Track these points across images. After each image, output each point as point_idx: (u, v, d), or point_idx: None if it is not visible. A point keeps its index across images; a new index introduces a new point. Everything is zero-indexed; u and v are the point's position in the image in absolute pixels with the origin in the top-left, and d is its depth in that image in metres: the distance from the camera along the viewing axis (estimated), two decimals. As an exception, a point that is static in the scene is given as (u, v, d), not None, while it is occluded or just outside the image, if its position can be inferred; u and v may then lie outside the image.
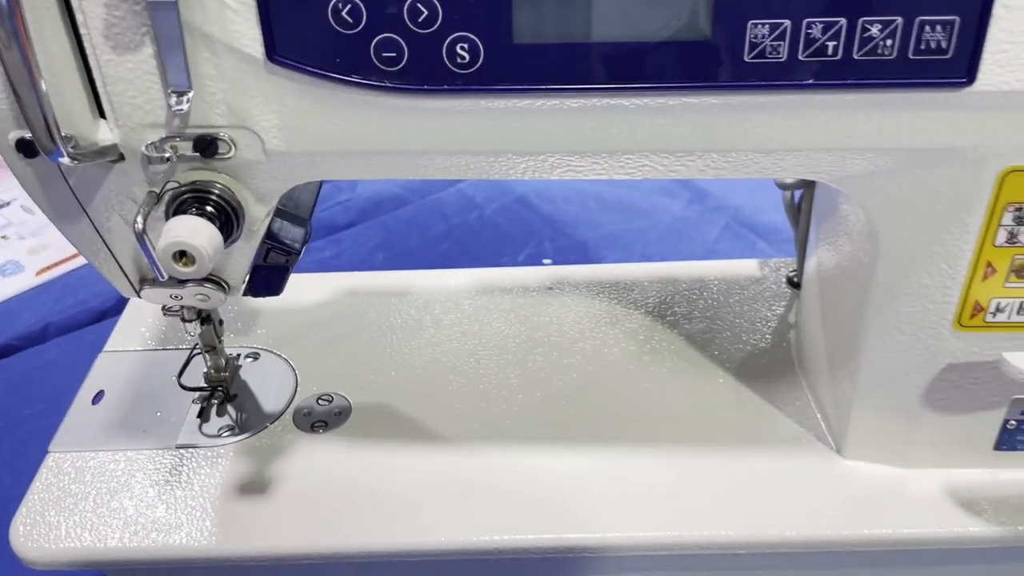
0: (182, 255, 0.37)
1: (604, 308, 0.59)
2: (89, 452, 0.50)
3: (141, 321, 0.60)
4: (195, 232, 0.37)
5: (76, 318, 0.78)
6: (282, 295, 0.61)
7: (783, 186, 0.56)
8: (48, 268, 0.83)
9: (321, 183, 0.49)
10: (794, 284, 0.60)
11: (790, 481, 0.47)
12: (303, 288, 0.62)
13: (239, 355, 0.56)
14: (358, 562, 0.46)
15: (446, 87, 0.36)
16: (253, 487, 0.48)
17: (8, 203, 0.93)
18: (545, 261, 0.83)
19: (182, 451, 0.50)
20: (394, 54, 0.35)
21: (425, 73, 0.35)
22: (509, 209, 0.91)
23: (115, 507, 0.47)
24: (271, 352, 0.57)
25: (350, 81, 0.36)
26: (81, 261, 0.84)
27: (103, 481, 0.49)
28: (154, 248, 0.39)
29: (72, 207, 0.41)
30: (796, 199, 0.57)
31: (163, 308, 0.48)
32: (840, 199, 0.46)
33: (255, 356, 0.57)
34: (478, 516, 0.46)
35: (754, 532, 0.45)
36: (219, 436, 0.51)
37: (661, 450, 0.49)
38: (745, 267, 0.62)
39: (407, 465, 0.49)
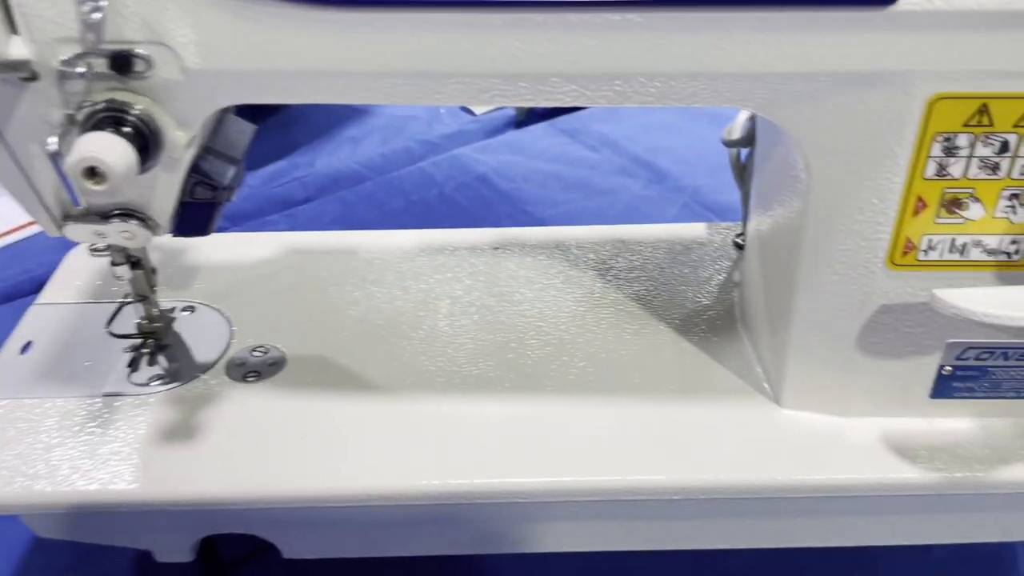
0: (92, 172, 0.36)
1: (550, 267, 0.58)
2: (13, 400, 0.49)
3: (75, 275, 0.58)
4: (106, 148, 0.36)
5: (20, 287, 0.77)
6: (222, 251, 0.61)
7: (729, 143, 0.56)
8: (-5, 237, 0.81)
9: (255, 128, 0.48)
10: (739, 246, 0.59)
11: (727, 429, 0.46)
12: (247, 245, 0.61)
13: (174, 308, 0.55)
14: (283, 507, 0.45)
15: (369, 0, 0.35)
16: (180, 434, 0.47)
17: (-41, 176, 0.91)
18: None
19: (109, 399, 0.49)
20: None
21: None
22: (469, 187, 0.91)
23: (37, 453, 0.46)
24: (207, 306, 0.56)
25: (269, -4, 0.35)
26: (28, 232, 0.83)
27: (25, 428, 0.47)
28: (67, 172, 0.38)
29: (-12, 134, 0.40)
30: (742, 159, 0.56)
31: (90, 248, 0.47)
32: (776, 140, 0.45)
33: (191, 309, 0.55)
34: (411, 461, 0.45)
35: (688, 477, 0.44)
36: (148, 385, 0.50)
37: (600, 399, 0.48)
38: (692, 230, 0.62)
39: (340, 412, 0.48)
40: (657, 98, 0.38)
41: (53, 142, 0.38)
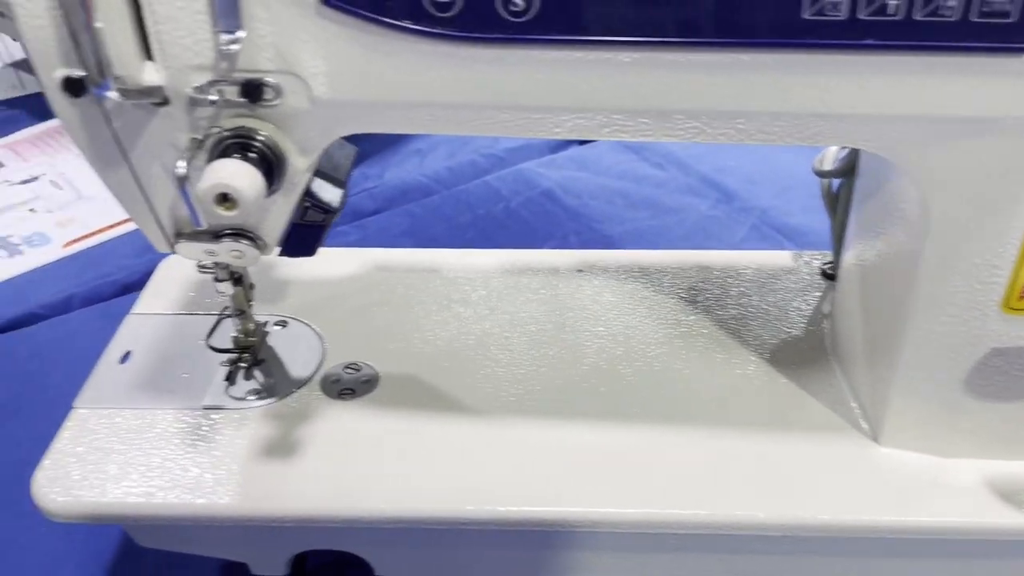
0: (224, 198, 0.37)
1: (634, 292, 0.58)
2: (115, 409, 0.50)
3: (169, 286, 0.59)
4: (239, 174, 0.37)
5: (100, 290, 0.78)
6: (310, 266, 0.62)
7: (821, 174, 0.56)
8: (74, 241, 0.83)
9: (358, 150, 0.49)
10: (828, 275, 0.59)
11: (824, 465, 0.46)
12: (331, 261, 0.62)
13: (267, 322, 0.56)
14: (380, 527, 0.46)
15: (498, 36, 0.35)
16: (279, 449, 0.48)
17: (36, 178, 0.93)
18: (571, 253, 0.83)
19: (208, 412, 0.50)
20: (446, 0, 0.35)
21: (477, 21, 0.35)
22: (535, 202, 0.91)
23: (139, 463, 0.47)
24: (298, 320, 0.56)
25: (400, 27, 0.36)
26: (107, 236, 0.84)
27: (128, 437, 0.48)
28: (194, 199, 0.39)
29: (114, 153, 0.41)
30: (834, 188, 0.56)
31: (197, 265, 0.48)
32: (890, 176, 0.45)
33: (283, 323, 0.56)
34: (504, 487, 0.46)
35: (786, 513, 0.44)
36: (246, 399, 0.51)
37: (690, 430, 0.48)
38: (778, 258, 0.61)
39: (435, 433, 0.49)
40: (779, 137, 0.38)
41: (182, 166, 0.38)
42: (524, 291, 0.59)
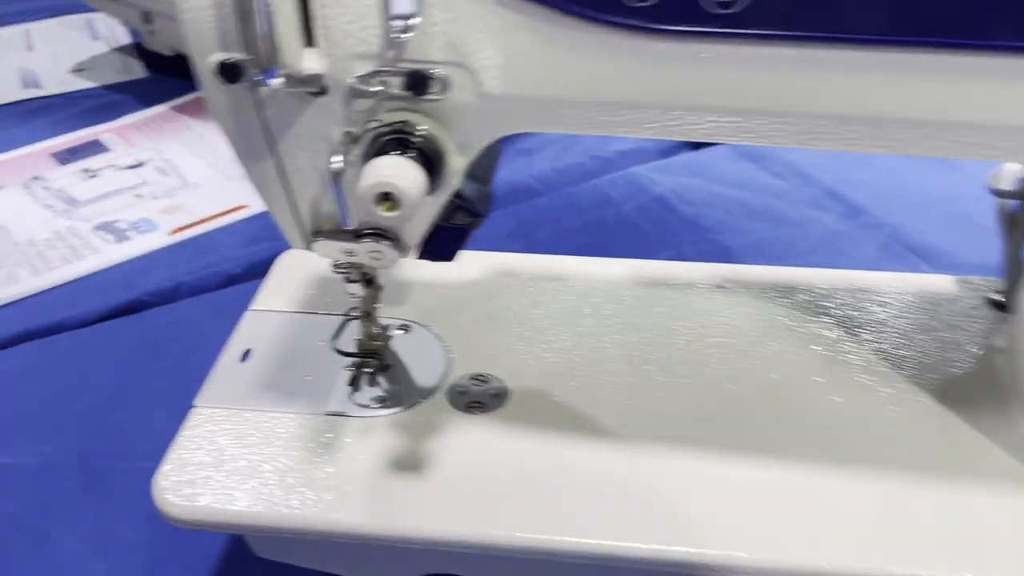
0: (385, 197, 0.34)
1: (781, 311, 0.54)
2: (236, 410, 0.48)
3: (288, 282, 0.57)
4: (402, 172, 0.34)
5: (206, 280, 0.77)
6: (430, 269, 0.59)
7: (1000, 193, 0.51)
8: (181, 229, 0.82)
9: (501, 147, 0.46)
10: (998, 305, 0.54)
11: (1013, 523, 0.41)
12: (451, 264, 0.59)
13: (389, 326, 0.53)
14: (512, 555, 0.42)
15: (700, 30, 0.32)
16: (406, 464, 0.45)
17: (142, 163, 0.93)
18: (688, 264, 0.79)
19: (333, 419, 0.47)
20: (643, -11, 0.31)
21: (678, 13, 0.31)
22: (647, 209, 0.87)
23: (262, 470, 0.44)
24: (422, 326, 0.54)
25: (588, 17, 0.32)
26: (213, 225, 0.83)
27: (250, 441, 0.46)
28: (345, 197, 0.36)
29: (261, 142, 0.39)
30: (1011, 208, 0.51)
31: (332, 264, 0.46)
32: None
33: (406, 328, 0.54)
34: (642, 522, 0.42)
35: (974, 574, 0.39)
36: (370, 407, 0.48)
37: (855, 471, 0.44)
38: (938, 282, 0.56)
39: (571, 457, 0.45)
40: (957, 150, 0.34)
41: (338, 161, 0.36)
42: (658, 305, 0.55)
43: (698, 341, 0.52)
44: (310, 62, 0.35)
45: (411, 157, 0.36)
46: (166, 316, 0.73)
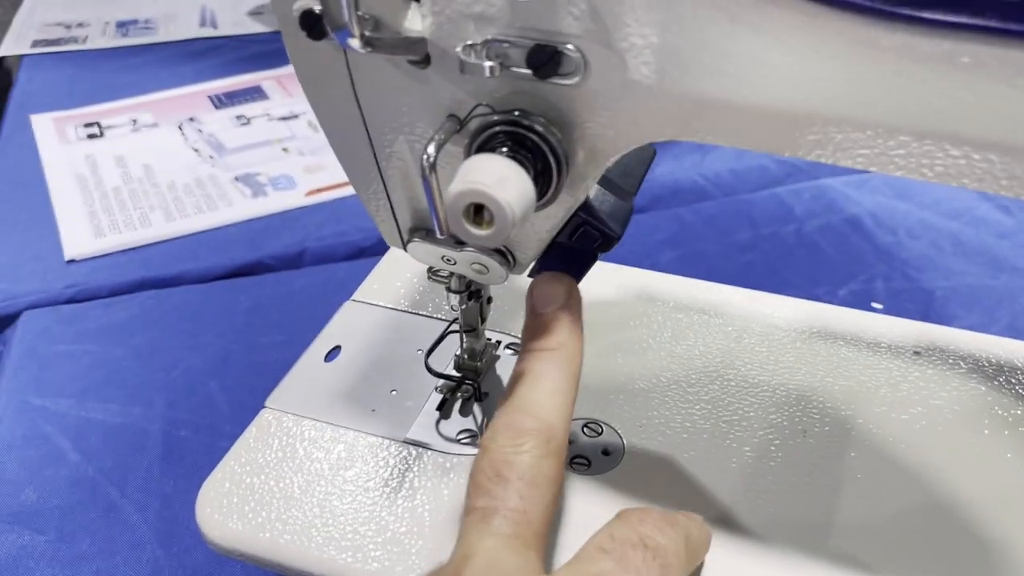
0: (477, 210, 0.26)
1: (995, 398, 0.41)
2: (308, 419, 0.41)
3: (397, 274, 0.50)
4: (504, 182, 0.25)
5: (333, 249, 0.72)
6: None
7: None
8: (318, 191, 0.78)
9: (655, 151, 0.36)
10: None
11: None
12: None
13: (498, 342, 0.45)
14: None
15: (971, 21, 0.21)
16: (484, 522, 0.37)
17: (296, 116, 0.89)
18: (875, 305, 0.66)
19: (411, 448, 0.40)
20: (887, -47, 0.21)
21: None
22: (835, 230, 0.74)
23: (322, 499, 0.38)
24: (536, 348, 0.45)
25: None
26: (351, 191, 0.78)
27: (313, 458, 0.39)
28: (440, 193, 0.28)
29: (351, 116, 0.31)
30: None
31: (428, 271, 0.38)
32: None
33: (516, 349, 0.45)
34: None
35: None
36: (456, 441, 0.40)
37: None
38: None
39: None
40: None
41: (431, 153, 0.28)
42: (831, 367, 0.44)
43: (878, 423, 0.41)
44: (411, 21, 0.27)
45: (521, 159, 0.27)
46: (285, 284, 0.68)
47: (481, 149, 0.28)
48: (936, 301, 0.66)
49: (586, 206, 0.32)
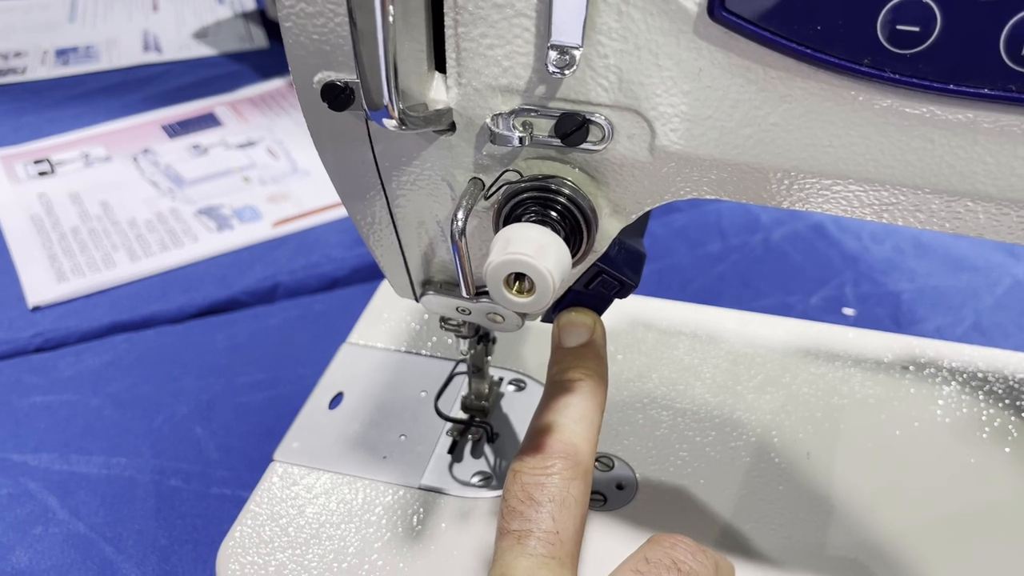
0: (518, 278, 0.26)
1: (993, 413, 0.43)
2: (319, 470, 0.41)
3: (391, 313, 0.50)
4: (543, 250, 0.26)
5: (306, 282, 0.71)
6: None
7: None
8: (285, 221, 0.77)
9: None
10: None
11: None
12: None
13: (501, 379, 0.46)
14: None
15: (992, 92, 0.22)
16: (509, 566, 0.37)
17: (253, 143, 0.88)
18: (846, 311, 0.68)
19: (426, 495, 0.40)
20: (917, 28, 0.22)
21: (961, 64, 0.22)
22: (802, 238, 0.76)
23: (343, 550, 0.38)
24: (539, 383, 0.46)
25: (823, 60, 0.23)
26: (319, 220, 0.77)
27: (333, 512, 0.39)
28: (467, 259, 0.28)
29: (369, 178, 0.31)
30: None
31: (441, 320, 0.38)
32: None
33: (520, 385, 0.46)
34: None
35: None
36: (471, 485, 0.41)
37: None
38: None
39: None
40: None
41: (460, 218, 0.28)
42: (833, 387, 0.45)
43: (882, 443, 0.42)
44: (436, 93, 0.27)
45: (555, 224, 0.27)
46: (260, 320, 0.67)
47: (511, 215, 0.28)
48: (903, 304, 0.69)
49: (608, 260, 0.32)
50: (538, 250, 0.25)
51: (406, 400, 0.45)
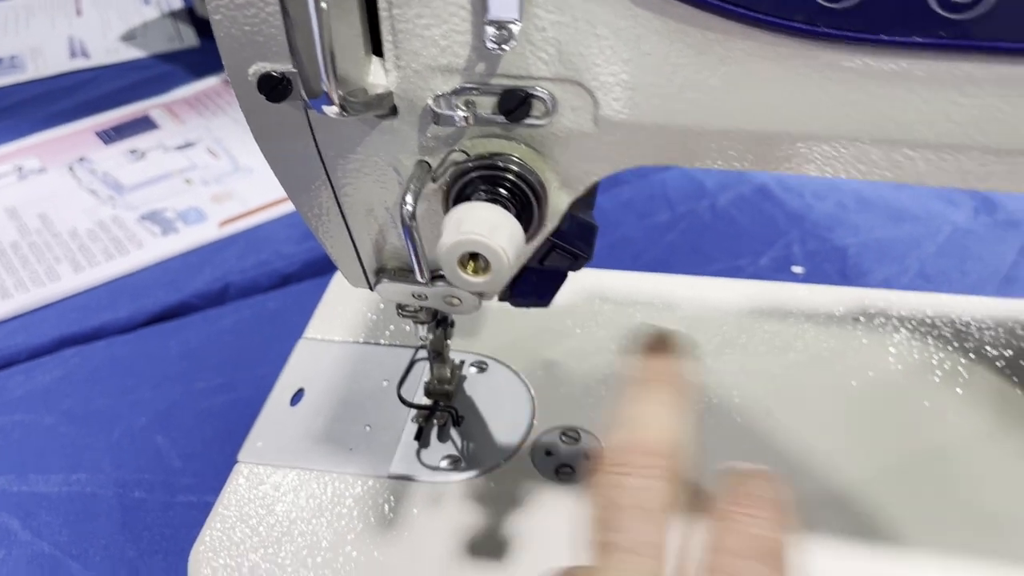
0: (472, 257, 0.26)
1: (944, 356, 0.45)
2: (284, 468, 0.41)
3: (346, 306, 0.50)
4: (495, 229, 0.26)
5: (257, 281, 0.70)
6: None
7: None
8: (231, 220, 0.75)
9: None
10: None
11: None
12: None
13: (462, 362, 0.46)
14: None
15: (924, 41, 0.22)
16: (484, 547, 0.37)
17: (192, 144, 0.86)
18: (795, 269, 0.69)
19: (397, 483, 0.40)
20: (846, -17, 0.22)
21: (891, 15, 0.22)
22: (747, 201, 0.77)
23: (316, 545, 0.37)
24: (501, 363, 0.46)
25: (758, 20, 0.23)
26: (265, 216, 0.76)
27: (303, 508, 0.39)
28: (419, 243, 0.28)
29: (313, 169, 0.31)
30: None
31: (398, 308, 0.38)
32: None
33: (482, 367, 0.46)
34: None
35: None
36: (439, 469, 0.41)
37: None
38: None
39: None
40: None
41: (410, 202, 0.28)
42: (783, 343, 0.46)
43: (834, 391, 0.43)
44: (375, 77, 0.27)
45: (505, 201, 0.27)
46: (213, 322, 0.66)
47: (460, 195, 0.28)
48: (850, 258, 0.70)
49: (558, 232, 0.32)
50: (491, 229, 0.25)
51: (368, 391, 0.44)
